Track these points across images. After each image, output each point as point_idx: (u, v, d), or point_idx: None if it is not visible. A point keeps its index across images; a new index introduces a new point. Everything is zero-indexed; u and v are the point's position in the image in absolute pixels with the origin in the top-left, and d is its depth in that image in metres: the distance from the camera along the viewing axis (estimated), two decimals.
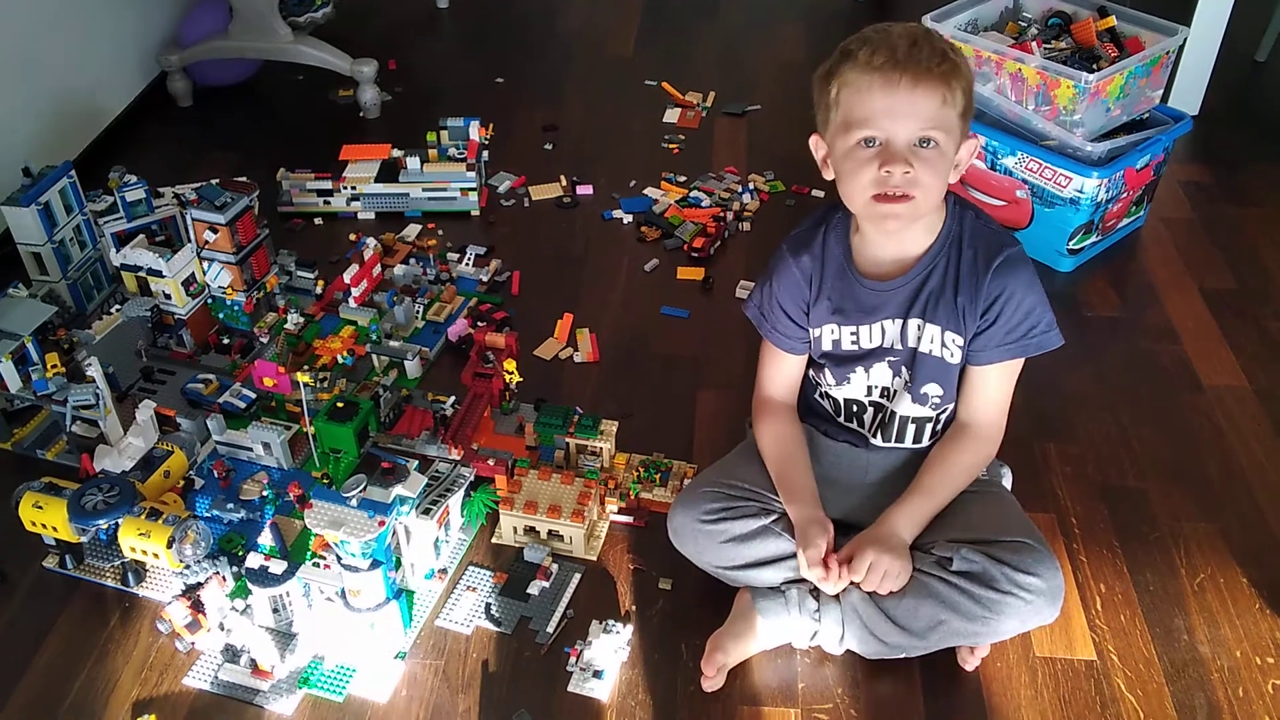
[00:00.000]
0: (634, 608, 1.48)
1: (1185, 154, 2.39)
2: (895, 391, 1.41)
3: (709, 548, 1.40)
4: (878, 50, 1.22)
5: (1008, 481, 1.51)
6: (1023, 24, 2.23)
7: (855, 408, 1.45)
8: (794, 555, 1.37)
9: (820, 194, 2.32)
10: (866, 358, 1.40)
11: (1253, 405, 1.79)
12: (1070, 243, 2.04)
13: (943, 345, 1.36)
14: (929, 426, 1.43)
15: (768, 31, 2.98)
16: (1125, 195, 2.06)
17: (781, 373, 1.48)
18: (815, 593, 1.37)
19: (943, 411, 1.42)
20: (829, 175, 1.34)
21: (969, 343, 1.36)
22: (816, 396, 1.50)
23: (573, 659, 1.40)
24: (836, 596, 1.36)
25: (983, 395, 1.39)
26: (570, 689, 1.37)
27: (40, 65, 2.25)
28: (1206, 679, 1.38)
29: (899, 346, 1.38)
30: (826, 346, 1.42)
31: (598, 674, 1.38)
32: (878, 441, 1.45)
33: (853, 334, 1.40)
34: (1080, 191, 1.98)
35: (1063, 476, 1.66)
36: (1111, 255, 2.13)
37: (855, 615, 1.35)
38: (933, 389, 1.39)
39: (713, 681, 1.36)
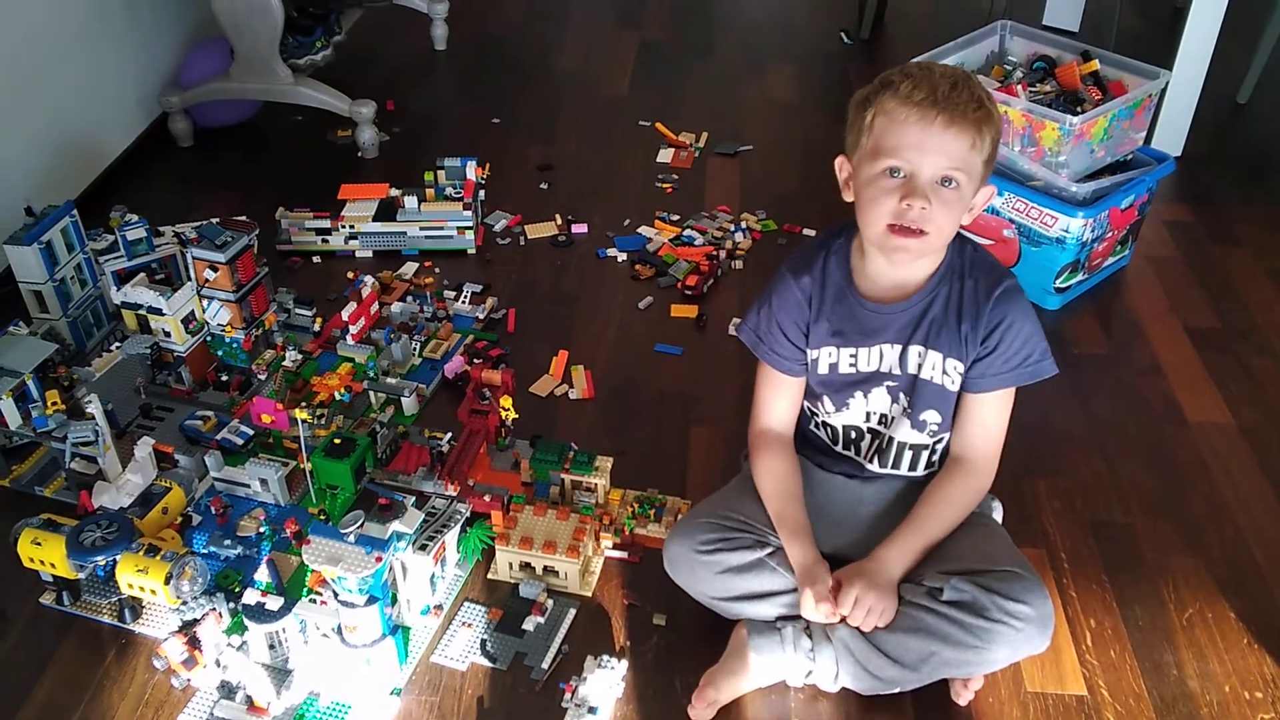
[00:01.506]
0: (629, 643, 1.49)
1: (1169, 194, 2.44)
2: (893, 418, 1.44)
3: (705, 578, 1.41)
4: (919, 85, 1.26)
5: (998, 514, 1.53)
6: (1008, 67, 2.28)
7: (853, 434, 1.47)
8: (789, 591, 1.39)
9: (811, 232, 2.35)
10: (865, 382, 1.42)
11: (1237, 441, 1.81)
12: (1057, 281, 2.08)
13: (943, 372, 1.39)
14: (925, 454, 1.45)
15: (759, 73, 3.03)
16: (1110, 235, 2.10)
17: (778, 399, 1.48)
18: (809, 630, 1.38)
19: (939, 440, 1.44)
20: (848, 197, 1.37)
21: (968, 371, 1.38)
22: (812, 427, 1.52)
23: (568, 695, 1.41)
24: (829, 636, 1.37)
25: (978, 425, 1.42)
26: None
27: (43, 105, 2.28)
28: (1196, 714, 1.40)
29: (897, 372, 1.41)
30: (824, 370, 1.44)
31: (592, 710, 1.38)
32: (874, 467, 1.47)
33: (851, 356, 1.42)
34: (1066, 231, 2.01)
35: (1051, 512, 1.68)
36: (1097, 293, 2.17)
37: (848, 652, 1.36)
38: (931, 415, 1.41)
39: (701, 714, 1.37)
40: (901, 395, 1.42)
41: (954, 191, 1.28)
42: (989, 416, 1.41)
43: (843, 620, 1.36)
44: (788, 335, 1.44)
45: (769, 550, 1.40)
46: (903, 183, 1.28)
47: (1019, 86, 2.15)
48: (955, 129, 1.25)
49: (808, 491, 1.47)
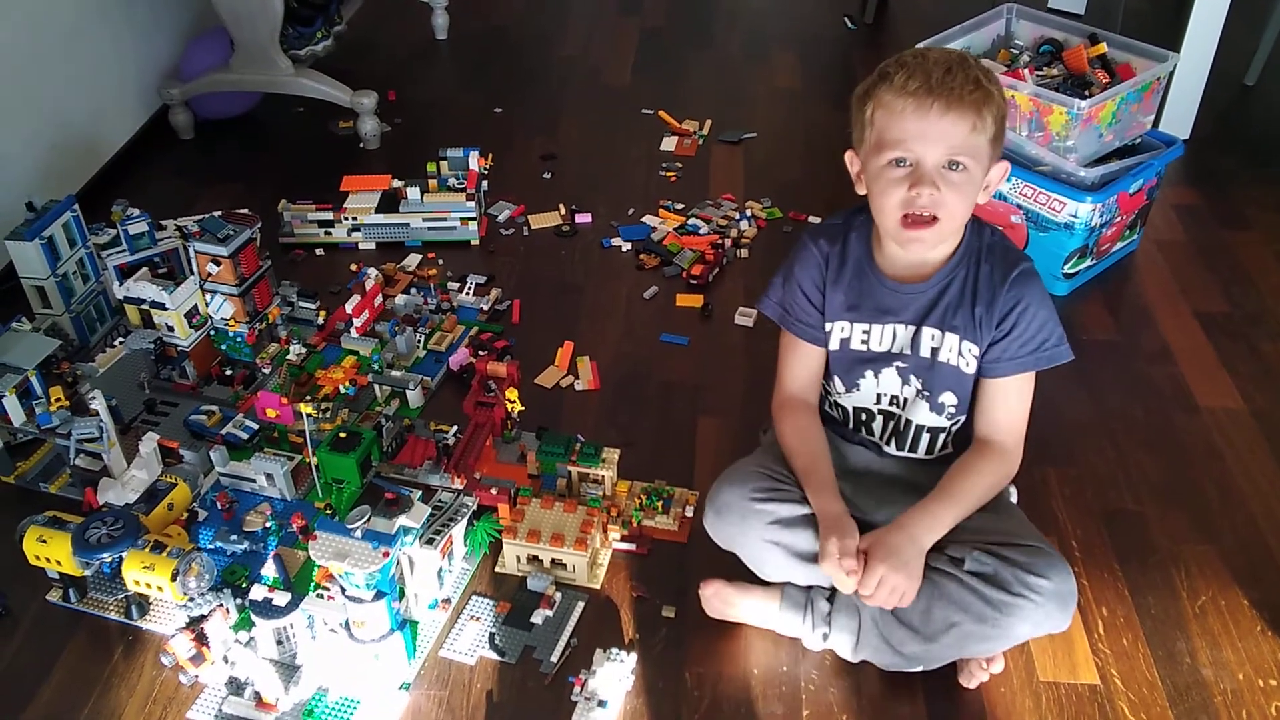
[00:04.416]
0: (638, 636, 1.48)
1: (1177, 178, 2.42)
2: (906, 400, 1.43)
3: (755, 527, 1.39)
4: (913, 75, 1.26)
5: (1013, 498, 1.52)
6: (1015, 51, 2.26)
7: (864, 416, 1.47)
8: None
9: (817, 219, 2.33)
10: (875, 362, 1.42)
11: (1249, 426, 1.80)
12: (1065, 267, 2.06)
13: (959, 355, 1.38)
14: (941, 437, 1.45)
15: (762, 60, 3.01)
16: (1119, 219, 2.08)
17: (803, 367, 1.48)
18: (831, 597, 1.39)
19: (956, 423, 1.44)
20: (862, 190, 1.37)
21: (984, 355, 1.38)
22: (826, 407, 1.52)
23: (577, 688, 1.40)
24: (856, 606, 1.37)
25: (1003, 409, 1.40)
26: (575, 719, 1.37)
27: (43, 100, 2.27)
28: (1210, 702, 1.39)
29: (908, 353, 1.40)
30: (834, 346, 1.43)
31: (602, 703, 1.38)
32: (891, 450, 1.48)
33: (864, 332, 1.41)
34: (1074, 216, 2.00)
35: (1062, 500, 1.67)
36: (1106, 279, 2.15)
37: (872, 623, 1.36)
38: (949, 398, 1.41)
39: (707, 593, 1.46)
40: (912, 377, 1.41)
41: (962, 174, 1.28)
42: (1012, 401, 1.40)
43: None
44: (809, 298, 1.44)
45: (811, 511, 1.40)
46: (909, 172, 1.28)
47: (1026, 70, 2.13)
48: (954, 114, 1.25)
49: (831, 455, 1.46)
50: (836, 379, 1.46)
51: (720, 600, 1.46)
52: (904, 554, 1.33)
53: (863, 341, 1.42)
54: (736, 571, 1.45)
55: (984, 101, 1.26)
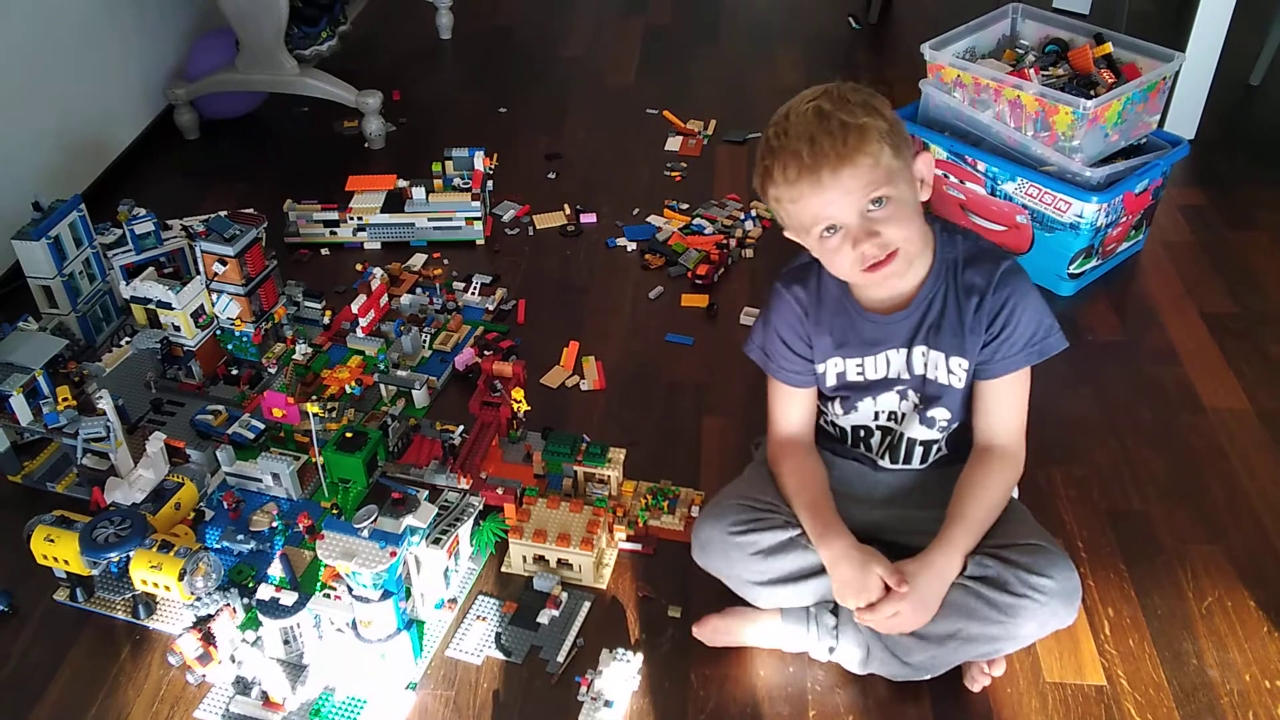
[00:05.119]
0: (644, 636, 1.48)
1: (1183, 178, 2.41)
2: (903, 415, 1.43)
3: (738, 560, 1.40)
4: (788, 164, 1.25)
5: (1014, 493, 1.52)
6: (1020, 51, 2.26)
7: (862, 433, 1.47)
8: (822, 570, 1.37)
9: None
10: (873, 388, 1.42)
11: (1255, 427, 1.80)
12: (1070, 267, 2.06)
13: (948, 371, 1.38)
14: (935, 447, 1.45)
15: (767, 60, 3.01)
16: (1124, 219, 2.08)
17: (793, 409, 1.48)
18: (835, 609, 1.39)
19: (949, 433, 1.44)
20: (817, 254, 1.36)
21: (976, 359, 1.37)
22: (823, 423, 1.52)
23: (583, 688, 1.40)
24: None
25: (1001, 411, 1.40)
26: (581, 719, 1.38)
27: (48, 100, 2.28)
28: (1216, 703, 1.39)
29: (905, 375, 1.40)
30: (832, 381, 1.44)
31: (608, 703, 1.38)
32: (885, 464, 1.48)
33: (858, 365, 1.42)
34: (1080, 216, 1.99)
35: (1068, 500, 1.67)
36: (1112, 279, 2.15)
37: (878, 635, 1.36)
38: (940, 413, 1.41)
39: (703, 633, 1.44)
40: (911, 393, 1.42)
41: (889, 206, 1.26)
42: (1010, 400, 1.40)
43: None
44: (791, 348, 1.44)
45: (799, 530, 1.40)
46: (843, 234, 1.28)
47: (1031, 70, 2.13)
48: (844, 169, 1.23)
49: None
50: (836, 403, 1.46)
51: (721, 635, 1.44)
52: (930, 594, 1.33)
53: (858, 373, 1.42)
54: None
55: (861, 140, 1.23)
